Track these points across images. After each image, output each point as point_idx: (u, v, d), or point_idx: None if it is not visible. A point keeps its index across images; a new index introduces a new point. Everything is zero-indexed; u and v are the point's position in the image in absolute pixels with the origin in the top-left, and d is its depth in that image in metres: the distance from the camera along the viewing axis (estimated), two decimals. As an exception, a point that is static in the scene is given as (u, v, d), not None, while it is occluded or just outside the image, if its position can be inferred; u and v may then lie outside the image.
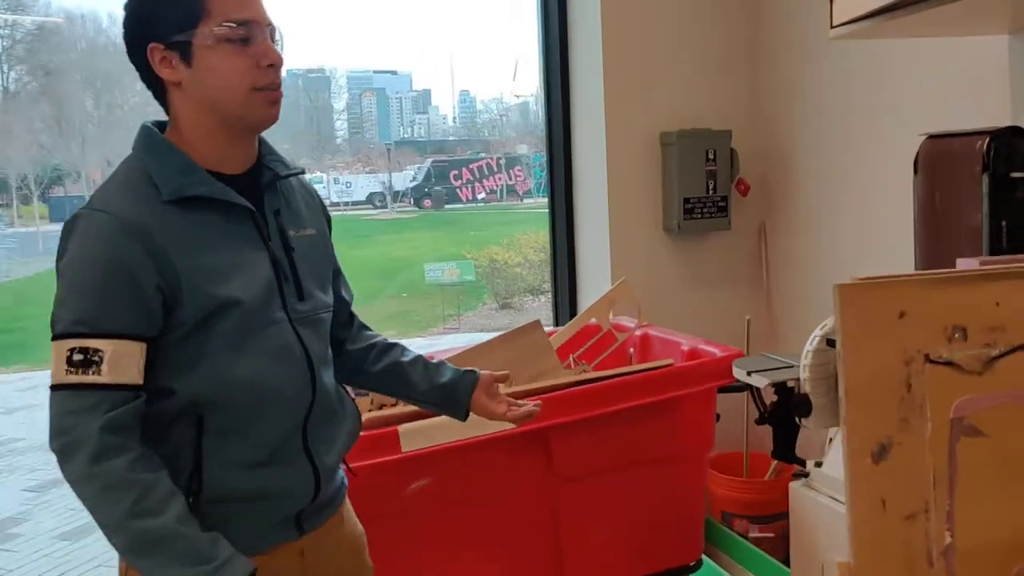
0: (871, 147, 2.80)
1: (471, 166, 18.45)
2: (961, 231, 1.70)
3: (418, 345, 2.24)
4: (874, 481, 1.24)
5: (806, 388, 2.14)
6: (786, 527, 3.29)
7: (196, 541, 1.25)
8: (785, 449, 2.28)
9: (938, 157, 1.75)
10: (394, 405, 2.32)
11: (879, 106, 2.76)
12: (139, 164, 1.36)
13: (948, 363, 1.26)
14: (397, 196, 18.82)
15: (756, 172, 3.30)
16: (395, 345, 1.70)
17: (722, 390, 2.47)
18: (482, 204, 18.03)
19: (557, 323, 3.48)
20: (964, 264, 1.54)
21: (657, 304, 3.01)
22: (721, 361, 2.38)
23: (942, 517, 1.26)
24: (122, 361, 1.27)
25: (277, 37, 1.38)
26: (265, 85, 1.35)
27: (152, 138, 1.38)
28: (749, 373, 2.25)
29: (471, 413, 1.67)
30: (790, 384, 2.20)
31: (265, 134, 1.46)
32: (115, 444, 1.25)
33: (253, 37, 1.34)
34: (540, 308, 10.19)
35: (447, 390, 1.65)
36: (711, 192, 3.21)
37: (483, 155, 19.49)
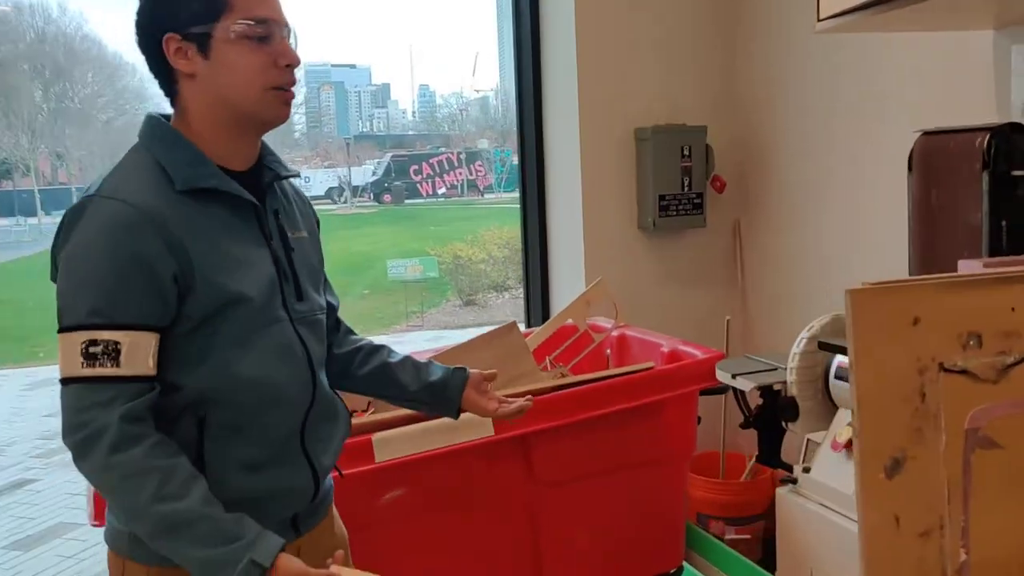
0: (853, 144, 2.76)
1: (431, 161, 18.28)
2: (959, 230, 1.65)
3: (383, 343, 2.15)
4: (887, 497, 1.17)
5: (793, 391, 2.09)
6: (762, 528, 3.26)
7: (222, 522, 1.24)
8: (770, 453, 2.24)
9: (934, 154, 1.70)
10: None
11: (861, 102, 2.72)
12: (147, 153, 1.35)
13: (963, 371, 1.20)
14: (356, 191, 18.60)
15: (732, 169, 3.25)
16: (382, 347, 1.69)
17: (703, 392, 2.41)
18: (442, 199, 17.88)
19: (529, 323, 3.40)
20: (967, 266, 1.48)
21: (632, 303, 2.94)
22: (703, 363, 2.32)
23: (957, 533, 1.20)
24: (138, 353, 1.26)
25: (293, 38, 1.38)
26: (281, 84, 1.35)
27: (161, 127, 1.37)
28: (734, 376, 2.20)
29: (462, 411, 1.66)
30: (776, 387, 2.15)
31: None
32: (134, 434, 1.24)
33: (272, 36, 1.34)
34: (504, 305, 10.10)
35: (438, 388, 1.64)
36: (686, 189, 3.15)
37: (443, 150, 19.33)
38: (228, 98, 1.34)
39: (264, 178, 1.43)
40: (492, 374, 1.70)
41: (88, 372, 1.24)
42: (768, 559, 3.11)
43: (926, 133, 1.74)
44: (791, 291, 3.07)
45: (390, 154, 19.57)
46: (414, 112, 26.58)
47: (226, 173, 1.36)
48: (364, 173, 19.08)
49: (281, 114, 1.38)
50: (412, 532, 2.11)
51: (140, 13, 1.35)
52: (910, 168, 1.76)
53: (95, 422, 1.24)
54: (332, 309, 1.61)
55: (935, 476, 1.19)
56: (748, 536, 3.20)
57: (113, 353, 1.24)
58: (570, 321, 2.69)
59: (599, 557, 2.34)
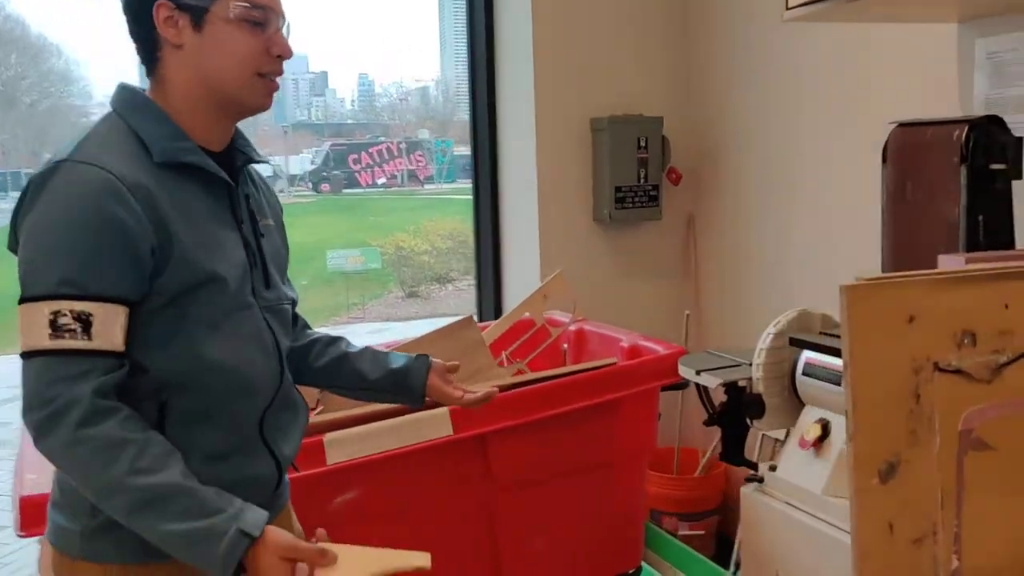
0: (813, 137, 2.74)
1: (371, 150, 18.03)
2: (935, 224, 1.62)
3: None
4: (881, 503, 1.12)
5: (759, 388, 2.05)
6: (716, 524, 3.24)
7: (203, 494, 1.20)
8: (734, 451, 2.19)
9: (910, 146, 1.66)
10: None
11: (822, 95, 2.70)
12: (123, 123, 1.30)
13: (957, 371, 1.15)
14: (294, 180, 18.26)
15: (688, 161, 3.20)
16: (339, 338, 1.64)
17: (663, 388, 2.36)
18: (382, 189, 17.66)
19: (481, 317, 3.32)
20: (950, 262, 1.44)
21: (587, 297, 2.88)
22: (665, 359, 2.27)
23: (949, 539, 1.16)
24: (110, 326, 1.20)
25: (287, 31, 1.36)
26: (269, 72, 1.34)
27: (138, 97, 1.33)
28: (698, 372, 2.14)
29: (426, 400, 1.62)
30: (741, 384, 2.10)
31: None
32: (105, 407, 1.19)
33: (268, 23, 1.33)
34: (448, 297, 9.99)
35: (400, 376, 1.59)
36: (643, 181, 3.10)
37: (383, 139, 19.08)
38: (214, 77, 1.31)
39: (236, 161, 1.39)
40: (455, 365, 1.66)
41: (56, 344, 1.17)
42: (722, 555, 3.10)
43: (901, 125, 1.70)
44: (747, 286, 3.05)
45: (329, 143, 19.23)
46: (353, 101, 26.21)
47: (203, 151, 1.33)
48: (302, 162, 18.73)
49: (264, 103, 1.36)
50: (366, 535, 1.99)
51: None
52: (884, 160, 1.72)
53: (62, 397, 1.17)
54: (293, 303, 1.55)
55: (929, 480, 1.15)
56: (702, 532, 3.18)
57: (84, 325, 1.18)
58: (527, 315, 2.61)
59: (558, 558, 2.27)
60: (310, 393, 1.83)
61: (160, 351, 1.25)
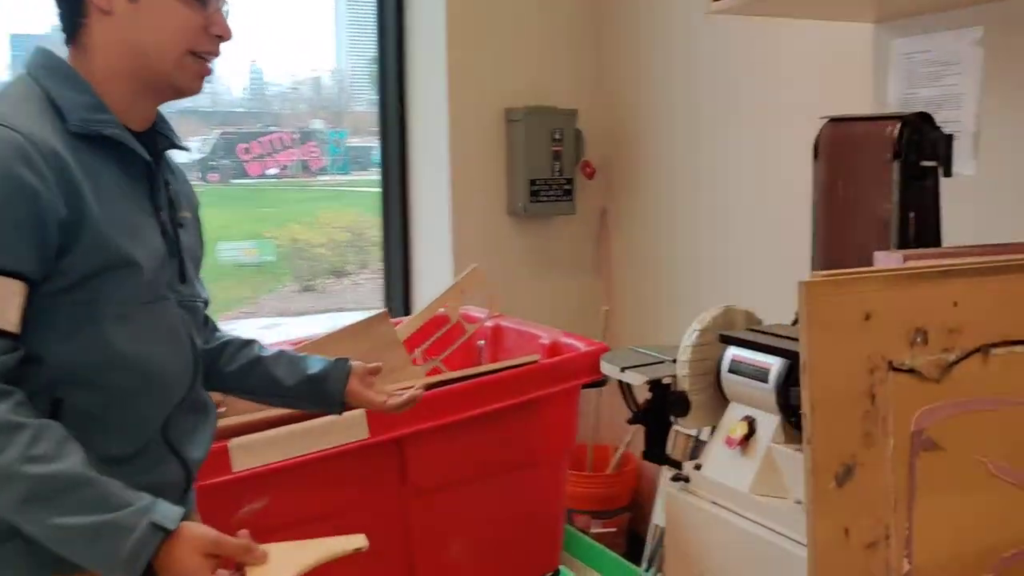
0: (729, 133, 2.73)
1: (261, 139, 17.52)
2: (867, 221, 1.61)
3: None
4: (838, 507, 1.09)
5: (684, 385, 2.01)
6: (627, 521, 3.23)
7: (109, 485, 1.08)
8: (657, 450, 2.15)
9: (842, 142, 1.65)
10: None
11: (737, 92, 2.69)
12: (37, 86, 1.20)
13: (910, 370, 1.13)
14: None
15: (602, 155, 3.16)
16: (251, 341, 1.56)
17: (583, 386, 2.30)
18: (274, 180, 17.20)
19: (390, 312, 3.20)
20: (886, 259, 1.43)
21: (500, 291, 2.80)
22: (587, 356, 2.21)
23: (901, 542, 1.13)
24: (7, 303, 1.08)
25: (228, 13, 1.29)
26: (204, 52, 1.26)
27: (54, 60, 1.23)
28: (623, 369, 2.09)
29: (346, 406, 1.55)
30: (666, 381, 2.07)
31: None
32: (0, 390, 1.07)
33: (210, 1, 1.25)
34: (344, 291, 9.75)
35: (318, 381, 1.51)
36: (557, 174, 3.04)
37: (275, 129, 18.57)
38: (145, 50, 1.22)
39: (159, 145, 1.30)
40: (377, 367, 1.59)
41: None
42: (633, 552, 3.08)
43: (832, 120, 1.69)
44: (660, 283, 3.03)
45: (218, 131, 18.60)
46: (244, 89, 25.43)
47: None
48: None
49: (192, 86, 1.28)
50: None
51: None
52: (815, 156, 1.70)
53: None
54: (205, 303, 1.46)
55: (883, 483, 1.12)
56: (614, 529, 3.15)
57: None
58: (442, 310, 2.51)
59: (475, 564, 2.19)
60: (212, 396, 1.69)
61: (61, 340, 1.14)
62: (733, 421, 1.91)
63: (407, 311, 3.18)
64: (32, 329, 1.11)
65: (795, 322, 2.01)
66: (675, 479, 2.01)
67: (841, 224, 1.66)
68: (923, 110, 1.65)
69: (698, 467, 1.97)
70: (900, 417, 1.12)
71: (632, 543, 3.16)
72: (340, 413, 1.57)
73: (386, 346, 2.25)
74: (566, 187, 3.06)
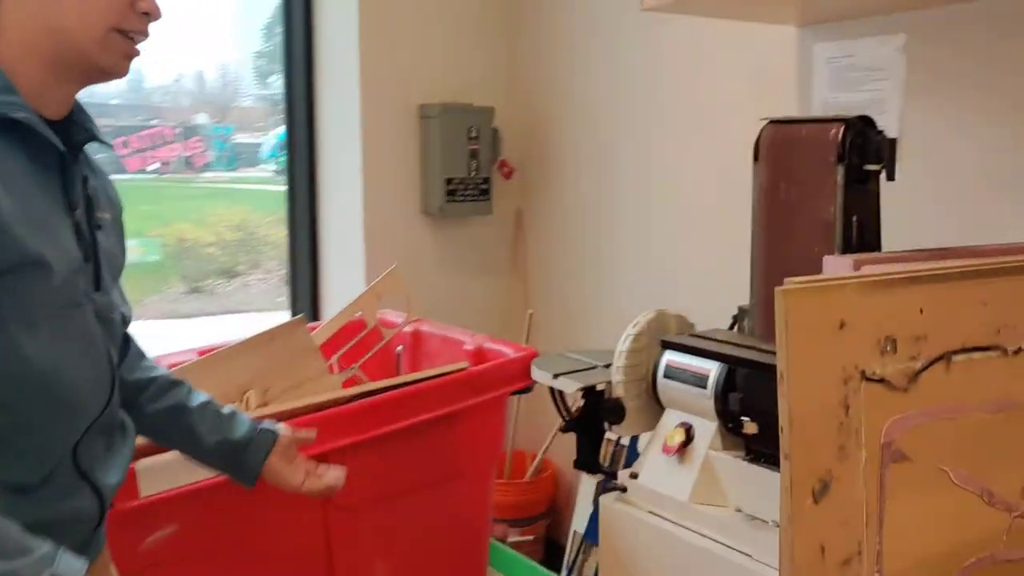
0: (649, 136, 2.70)
1: (141, 134, 16.75)
2: (810, 224, 1.59)
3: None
4: (814, 524, 1.05)
5: (619, 391, 1.96)
6: (544, 528, 3.17)
7: (4, 529, 0.97)
8: (590, 458, 2.10)
9: (784, 144, 1.63)
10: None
11: (658, 93, 2.67)
12: None
13: (880, 380, 1.10)
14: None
15: (519, 155, 3.09)
16: (180, 383, 1.43)
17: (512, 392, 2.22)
18: (155, 176, 16.46)
19: (294, 316, 3.04)
20: (836, 264, 1.41)
21: (416, 294, 2.70)
22: (517, 362, 2.14)
23: (873, 557, 1.10)
24: None
25: None
26: (130, 30, 1.14)
27: None
28: (556, 375, 2.03)
29: (261, 480, 1.46)
30: (600, 388, 2.01)
31: None
32: None
33: None
34: (235, 292, 9.38)
35: (237, 449, 1.43)
36: (473, 173, 2.96)
37: (156, 122, 17.78)
38: (63, 28, 1.10)
39: (76, 136, 1.18)
40: (309, 437, 1.53)
41: None
42: (551, 559, 3.03)
43: (773, 122, 1.66)
44: (578, 285, 2.98)
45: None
46: (121, 81, 24.29)
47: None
48: (62, 143, 17.10)
49: (117, 68, 1.17)
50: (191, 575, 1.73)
51: None
52: (756, 157, 1.67)
53: None
54: (125, 321, 1.30)
55: (856, 498, 1.08)
56: (531, 537, 3.10)
57: None
58: (358, 315, 2.39)
59: (400, 582, 2.08)
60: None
61: None
62: (669, 427, 1.87)
63: (315, 316, 3.03)
64: None
65: (731, 326, 2.00)
66: (609, 489, 1.96)
67: (783, 227, 1.63)
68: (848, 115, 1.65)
69: (634, 476, 1.92)
70: (871, 429, 1.09)
71: (549, 550, 3.11)
72: (251, 487, 1.45)
73: (302, 355, 2.13)
74: (483, 187, 2.98)
